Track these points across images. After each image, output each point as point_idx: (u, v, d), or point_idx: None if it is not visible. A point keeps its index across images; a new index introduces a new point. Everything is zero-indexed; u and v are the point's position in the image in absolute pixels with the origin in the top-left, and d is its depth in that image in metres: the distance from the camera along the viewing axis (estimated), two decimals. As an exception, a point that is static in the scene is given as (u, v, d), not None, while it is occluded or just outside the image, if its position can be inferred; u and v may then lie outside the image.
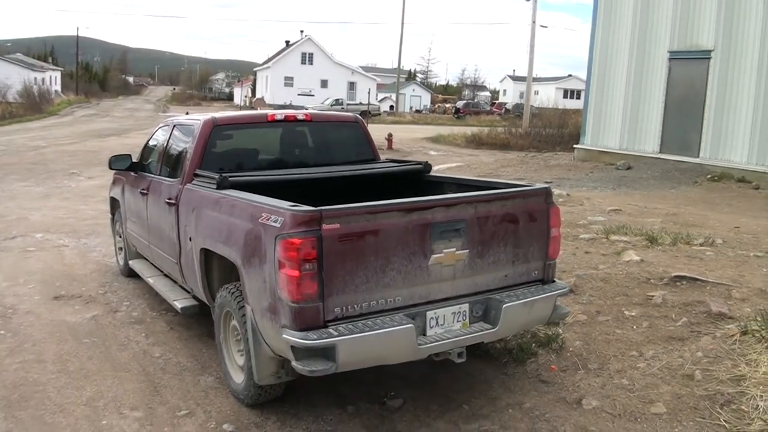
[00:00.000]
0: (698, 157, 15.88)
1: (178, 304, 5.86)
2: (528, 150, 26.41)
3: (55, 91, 70.77)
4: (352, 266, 3.89)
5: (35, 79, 61.66)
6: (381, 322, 3.94)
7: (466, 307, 4.31)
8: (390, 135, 27.39)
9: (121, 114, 52.89)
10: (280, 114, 6.26)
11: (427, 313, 4.16)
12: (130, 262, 7.60)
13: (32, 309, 6.82)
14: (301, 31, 74.90)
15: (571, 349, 5.26)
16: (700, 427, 4.12)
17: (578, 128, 21.89)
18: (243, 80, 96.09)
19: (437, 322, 4.19)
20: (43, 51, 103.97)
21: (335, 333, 3.78)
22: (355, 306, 3.93)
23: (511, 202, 4.58)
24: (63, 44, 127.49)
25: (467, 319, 4.31)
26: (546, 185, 4.94)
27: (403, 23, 58.98)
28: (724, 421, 4.11)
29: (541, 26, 41.87)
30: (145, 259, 7.23)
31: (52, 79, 76.07)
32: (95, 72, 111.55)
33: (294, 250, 3.74)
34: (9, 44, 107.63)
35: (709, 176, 14.86)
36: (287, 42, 75.88)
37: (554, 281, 4.83)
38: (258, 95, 72.43)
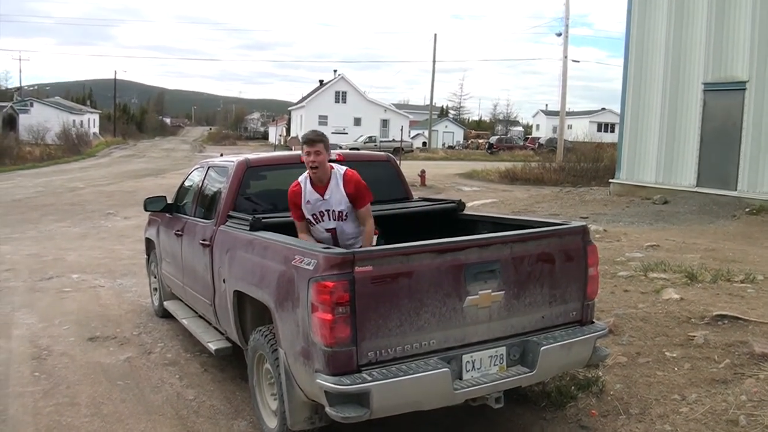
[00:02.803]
0: (736, 190, 15.60)
1: (212, 346, 5.83)
2: (563, 185, 26.19)
3: (93, 132, 72.14)
4: (385, 309, 3.83)
5: (73, 121, 62.96)
6: (416, 366, 3.86)
7: (503, 350, 4.21)
8: (423, 171, 27.40)
9: (158, 154, 53.71)
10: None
11: (463, 356, 4.07)
12: (165, 303, 7.62)
13: (67, 350, 6.85)
14: (335, 71, 75.80)
15: (611, 392, 5.11)
16: (748, 475, 3.95)
17: (613, 162, 21.68)
18: (278, 119, 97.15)
19: (473, 366, 4.10)
20: (81, 94, 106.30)
21: (369, 378, 3.71)
22: (389, 350, 3.86)
23: (547, 241, 4.49)
24: (101, 87, 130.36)
25: (504, 363, 4.21)
26: (582, 223, 4.85)
27: (434, 62, 59.42)
28: (773, 468, 3.95)
29: (573, 60, 41.87)
30: (180, 300, 7.24)
31: (90, 121, 77.57)
32: (132, 113, 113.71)
33: (327, 293, 3.70)
34: (48, 88, 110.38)
35: (747, 209, 14.57)
36: (321, 81, 76.79)
37: (593, 322, 4.71)
38: (293, 134, 73.12)
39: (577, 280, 4.58)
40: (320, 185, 5.12)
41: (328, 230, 5.22)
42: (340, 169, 5.20)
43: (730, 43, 15.92)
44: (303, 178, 5.17)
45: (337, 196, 5.14)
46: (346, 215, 5.20)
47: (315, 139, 5.01)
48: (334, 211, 5.17)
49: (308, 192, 5.12)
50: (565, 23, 37.50)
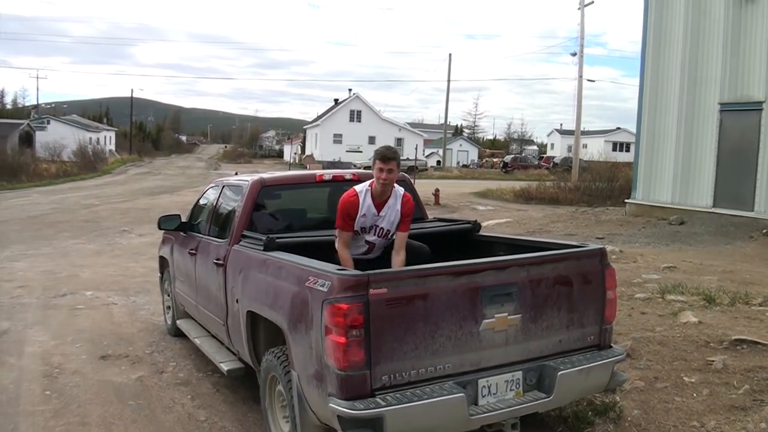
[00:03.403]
0: (753, 210, 15.43)
1: (224, 367, 5.78)
2: (578, 204, 26.03)
3: (110, 150, 72.69)
4: (400, 332, 3.77)
5: (90, 139, 63.41)
6: (430, 391, 3.79)
7: (519, 374, 4.14)
8: (437, 190, 27.37)
9: (173, 172, 53.94)
10: (328, 174, 6.25)
11: (479, 381, 4.00)
12: (178, 322, 7.58)
13: (79, 369, 6.82)
14: (350, 90, 76.21)
15: (629, 418, 5.01)
16: (771, 506, 3.85)
17: (629, 182, 21.53)
18: (293, 138, 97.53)
19: (489, 391, 4.03)
20: (98, 112, 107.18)
21: (383, 403, 3.64)
22: (404, 374, 3.80)
23: (565, 263, 4.43)
24: (118, 105, 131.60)
25: (521, 388, 4.14)
26: (600, 246, 4.79)
27: (449, 81, 59.65)
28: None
29: (588, 80, 41.81)
30: (193, 319, 7.20)
31: (107, 138, 78.26)
32: (149, 131, 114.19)
33: (341, 315, 3.65)
34: (65, 106, 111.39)
35: (764, 231, 14.38)
36: (336, 100, 77.19)
37: (611, 346, 4.64)
38: (307, 152, 73.44)
39: (594, 304, 4.51)
40: (379, 201, 5.16)
41: (368, 242, 5.31)
42: (399, 190, 5.27)
43: (746, 63, 15.82)
44: (362, 189, 5.18)
45: (391, 216, 5.21)
46: (391, 235, 5.27)
47: (391, 157, 5.03)
48: (382, 228, 5.24)
49: (366, 205, 5.15)
50: (580, 43, 37.55)
